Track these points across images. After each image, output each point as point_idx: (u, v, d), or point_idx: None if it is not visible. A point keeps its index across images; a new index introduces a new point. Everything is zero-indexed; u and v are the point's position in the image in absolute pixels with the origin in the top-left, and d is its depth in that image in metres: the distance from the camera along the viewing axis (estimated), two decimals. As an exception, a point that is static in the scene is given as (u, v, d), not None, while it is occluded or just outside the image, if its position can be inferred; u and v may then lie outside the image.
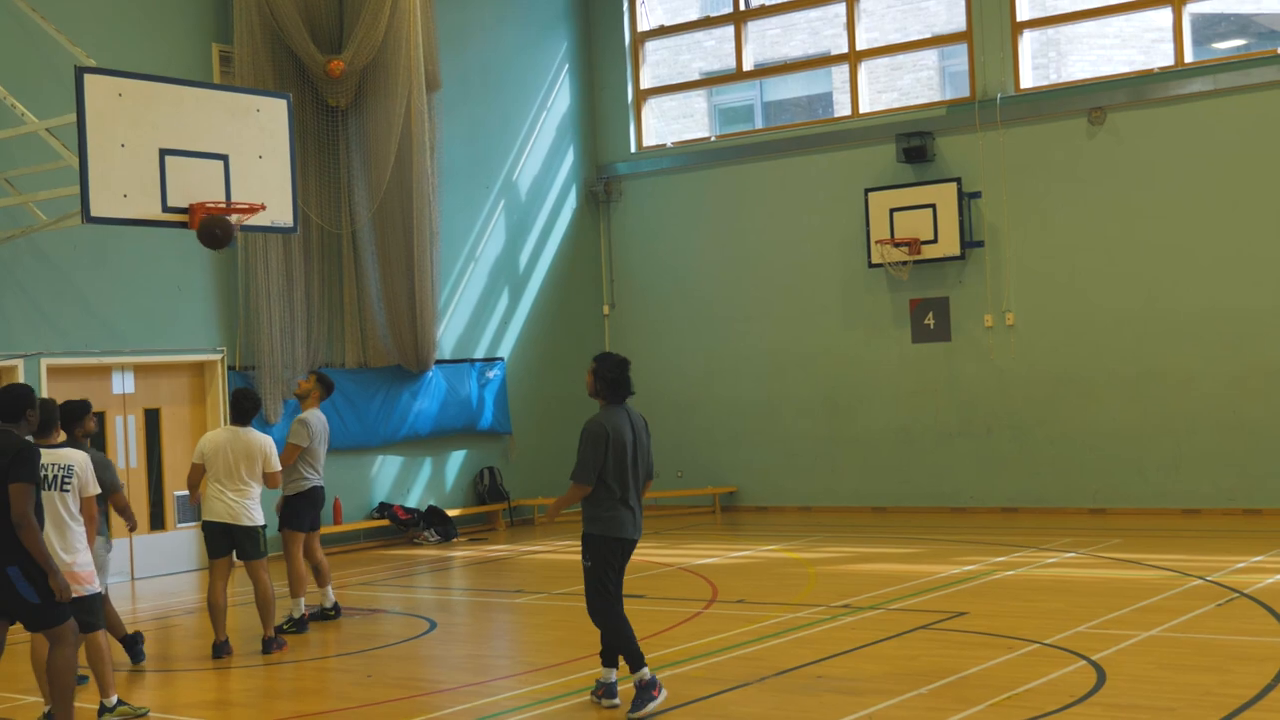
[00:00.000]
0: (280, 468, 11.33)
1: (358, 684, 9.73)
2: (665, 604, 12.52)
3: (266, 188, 13.50)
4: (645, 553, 16.50)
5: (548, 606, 13.07)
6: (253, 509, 11.08)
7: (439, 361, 19.19)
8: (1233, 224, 17.31)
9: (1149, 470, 17.70)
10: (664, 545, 17.01)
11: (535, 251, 21.39)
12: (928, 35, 20.98)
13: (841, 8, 20.60)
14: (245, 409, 11.17)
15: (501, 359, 20.42)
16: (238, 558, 11.16)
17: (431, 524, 18.60)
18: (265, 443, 11.13)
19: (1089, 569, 13.49)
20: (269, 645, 11.00)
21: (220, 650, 10.83)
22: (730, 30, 21.77)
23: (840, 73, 21.34)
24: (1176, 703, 7.95)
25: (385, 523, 18.55)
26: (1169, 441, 17.59)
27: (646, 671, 8.44)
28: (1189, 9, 17.94)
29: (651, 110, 22.36)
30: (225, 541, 11.07)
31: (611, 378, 8.88)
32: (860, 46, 20.29)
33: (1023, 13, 18.88)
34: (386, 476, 19.02)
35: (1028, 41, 19.07)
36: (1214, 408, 17.31)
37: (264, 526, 11.26)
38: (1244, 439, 17.10)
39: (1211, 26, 18.94)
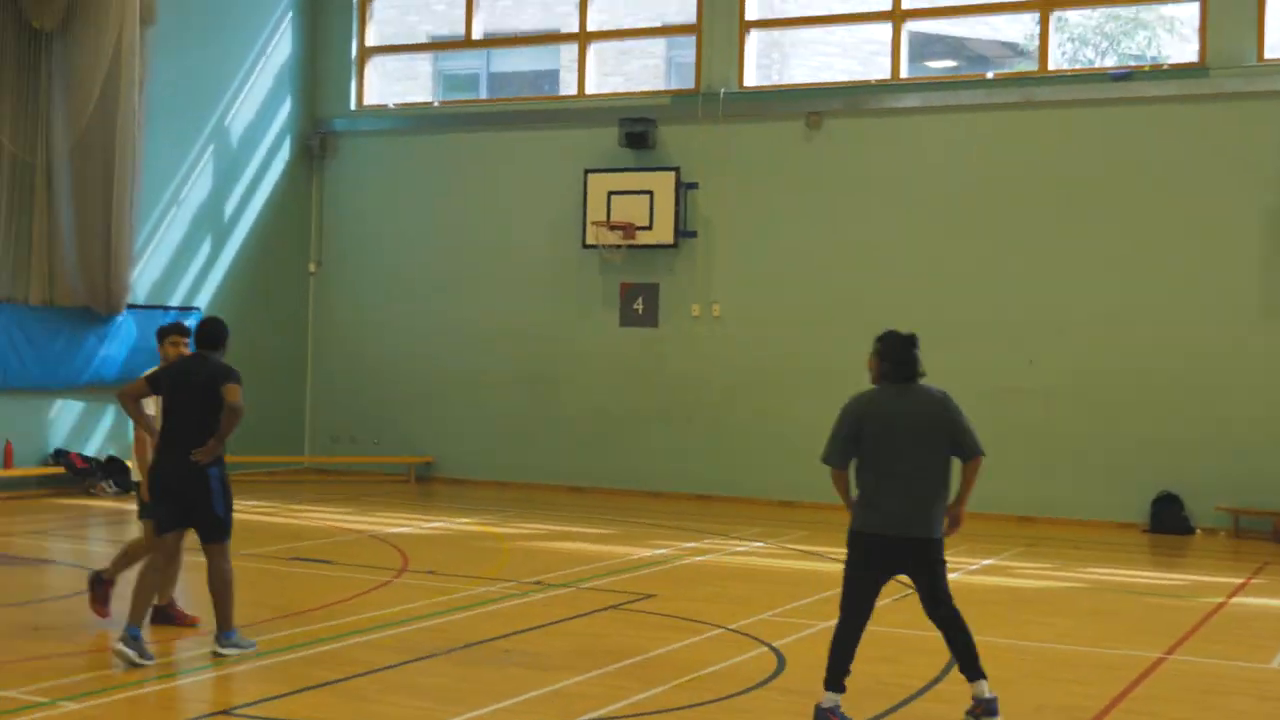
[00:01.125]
0: None
1: (20, 636, 9.16)
2: (354, 571, 12.26)
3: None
4: (335, 518, 16.16)
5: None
6: None
7: (131, 306, 18.27)
8: (931, 236, 18.06)
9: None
10: (356, 512, 16.69)
11: (243, 201, 20.65)
12: (658, 24, 21.19)
13: (576, -14, 20.62)
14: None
15: (198, 308, 19.61)
16: None
17: (110, 475, 17.74)
18: None
19: (775, 559, 13.86)
20: None
21: None
22: (463, -4, 21.47)
23: (569, 51, 21.35)
24: (851, 690, 8.20)
25: (61, 470, 17.60)
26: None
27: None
28: (908, 26, 18.63)
29: (375, 69, 21.87)
30: None
31: (900, 356, 7.98)
32: (591, 27, 20.31)
33: (751, 11, 19.24)
34: (65, 422, 18.05)
35: (754, 40, 19.46)
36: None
37: None
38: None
39: (928, 45, 19.76)
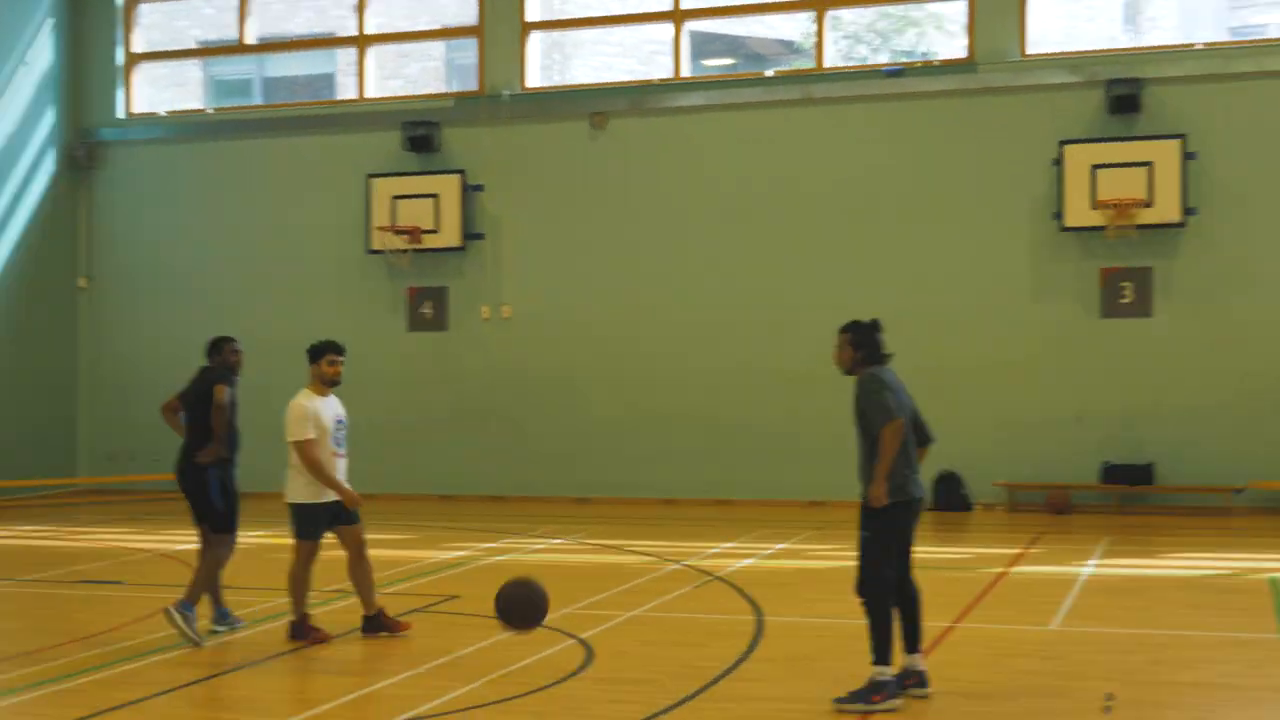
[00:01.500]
0: None
1: None
2: (146, 589, 11.92)
3: None
4: (119, 538, 15.67)
5: (17, 593, 12.15)
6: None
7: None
8: (721, 233, 18.40)
9: (632, 462, 18.53)
10: (141, 530, 16.21)
11: (4, 216, 19.84)
12: (438, 26, 21.10)
13: (351, -11, 20.39)
14: None
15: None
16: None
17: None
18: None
19: (575, 554, 13.95)
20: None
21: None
22: (233, 0, 21.01)
23: (346, 55, 21.12)
24: (659, 674, 8.34)
25: None
26: (652, 435, 18.49)
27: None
28: (688, 25, 18.95)
29: (142, 75, 21.25)
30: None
31: (875, 340, 8.12)
32: (369, 30, 20.11)
33: (532, 13, 19.32)
34: None
35: (536, 41, 19.55)
36: (695, 405, 18.34)
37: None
38: (721, 434, 18.21)
39: (708, 44, 20.13)
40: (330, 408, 10.03)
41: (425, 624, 10.23)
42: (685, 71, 18.92)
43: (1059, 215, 17.08)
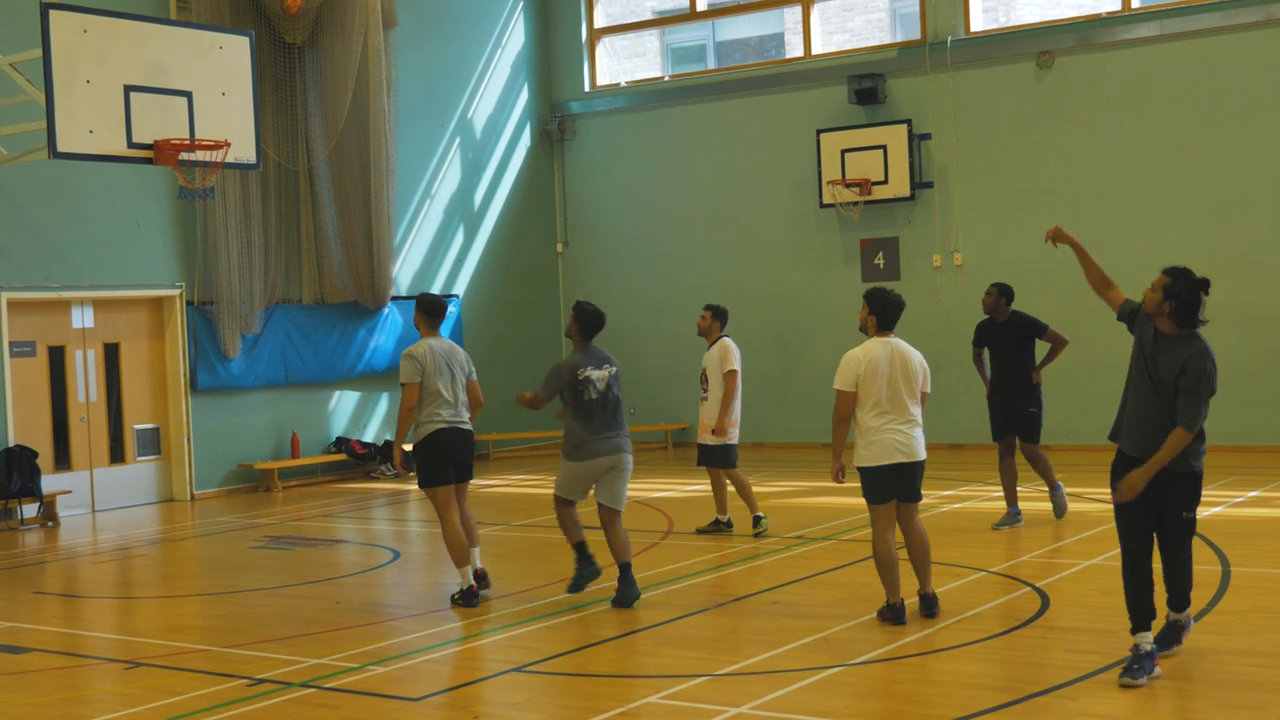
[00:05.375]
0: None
1: (326, 610, 9.99)
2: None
3: (229, 125, 13.62)
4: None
5: (506, 537, 13.36)
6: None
7: (395, 298, 19.36)
8: (1170, 171, 17.67)
9: (1086, 406, 18.15)
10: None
11: (490, 189, 21.53)
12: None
13: (795, -51, 20.77)
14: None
15: (456, 296, 20.59)
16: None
17: (388, 458, 18.82)
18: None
19: (1030, 502, 13.91)
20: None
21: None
22: (685, -30, 21.84)
23: (792, 14, 21.53)
24: (1116, 625, 8.31)
25: (342, 457, 18.75)
26: (1108, 379, 18.02)
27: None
28: (1136, -46, 18.23)
29: (605, 49, 22.48)
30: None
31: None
32: (814, -12, 20.45)
33: (973, -44, 19.11)
34: (344, 411, 19.21)
35: (977, -16, 19.33)
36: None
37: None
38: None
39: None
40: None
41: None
42: (1135, 2, 18.22)
43: None
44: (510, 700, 7.54)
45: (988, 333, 12.30)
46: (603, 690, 7.61)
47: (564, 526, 9.81)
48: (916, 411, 8.71)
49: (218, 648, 8.88)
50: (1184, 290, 7.17)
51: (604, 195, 22.07)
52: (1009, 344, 12.13)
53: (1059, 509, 12.33)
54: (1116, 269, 17.42)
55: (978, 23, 19.22)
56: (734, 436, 12.30)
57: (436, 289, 20.37)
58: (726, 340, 12.51)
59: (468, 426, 9.96)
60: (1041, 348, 12.32)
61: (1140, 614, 7.27)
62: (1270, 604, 8.79)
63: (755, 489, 12.81)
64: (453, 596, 9.90)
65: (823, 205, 19.73)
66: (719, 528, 12.56)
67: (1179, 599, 7.55)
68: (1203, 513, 12.35)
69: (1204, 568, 9.90)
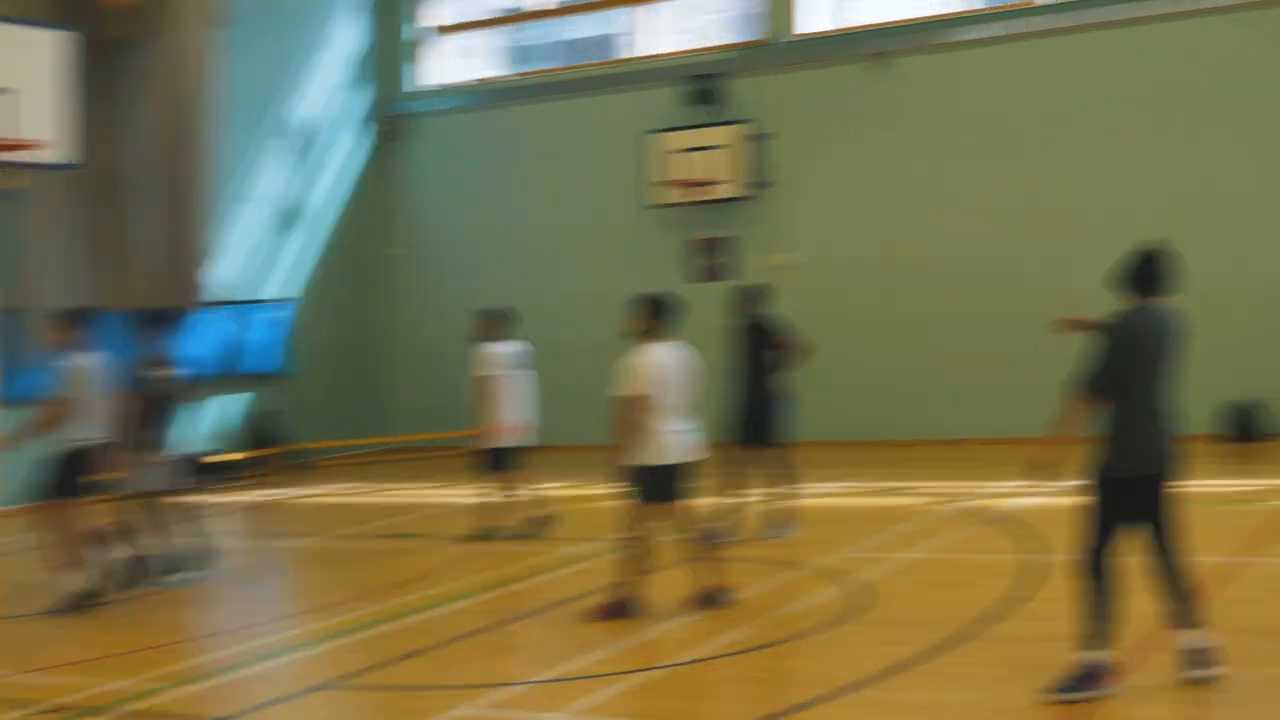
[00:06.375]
0: None
1: (122, 627, 9.46)
2: (435, 542, 12.45)
3: (46, 123, 12.99)
4: (418, 493, 16.41)
5: (324, 549, 12.91)
6: None
7: (217, 303, 18.68)
8: (1002, 169, 17.89)
9: (921, 402, 18.25)
10: (442, 484, 16.92)
11: (323, 190, 20.99)
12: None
13: (633, -52, 20.59)
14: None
15: (286, 300, 19.99)
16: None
17: (206, 468, 18.14)
18: None
19: (860, 497, 13.88)
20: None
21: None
22: (521, -32, 21.54)
23: (631, 14, 21.35)
24: (937, 615, 8.20)
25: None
26: (940, 375, 18.16)
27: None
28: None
29: (445, 48, 22.07)
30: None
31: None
32: (651, -13, 20.30)
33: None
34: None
35: (814, -15, 19.35)
36: (983, 343, 17.95)
37: None
38: (1010, 372, 17.67)
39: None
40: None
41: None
42: (970, 4, 18.38)
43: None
44: (324, 716, 7.15)
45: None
46: (416, 703, 7.24)
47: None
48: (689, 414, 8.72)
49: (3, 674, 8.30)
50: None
51: (443, 195, 21.67)
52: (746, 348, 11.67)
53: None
54: (964, 260, 17.53)
55: (814, 24, 19.23)
56: (507, 440, 12.06)
57: (264, 293, 19.76)
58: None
59: None
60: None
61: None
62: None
63: (581, 491, 12.53)
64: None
65: (658, 205, 19.57)
66: (533, 527, 12.22)
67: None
68: (1020, 503, 12.39)
69: (1023, 556, 9.88)
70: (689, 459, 8.74)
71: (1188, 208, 16.87)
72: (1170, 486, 6.57)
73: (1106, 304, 6.66)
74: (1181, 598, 6.57)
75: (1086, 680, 6.45)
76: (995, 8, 18.39)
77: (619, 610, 8.67)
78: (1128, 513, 6.58)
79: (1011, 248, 17.83)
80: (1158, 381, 6.52)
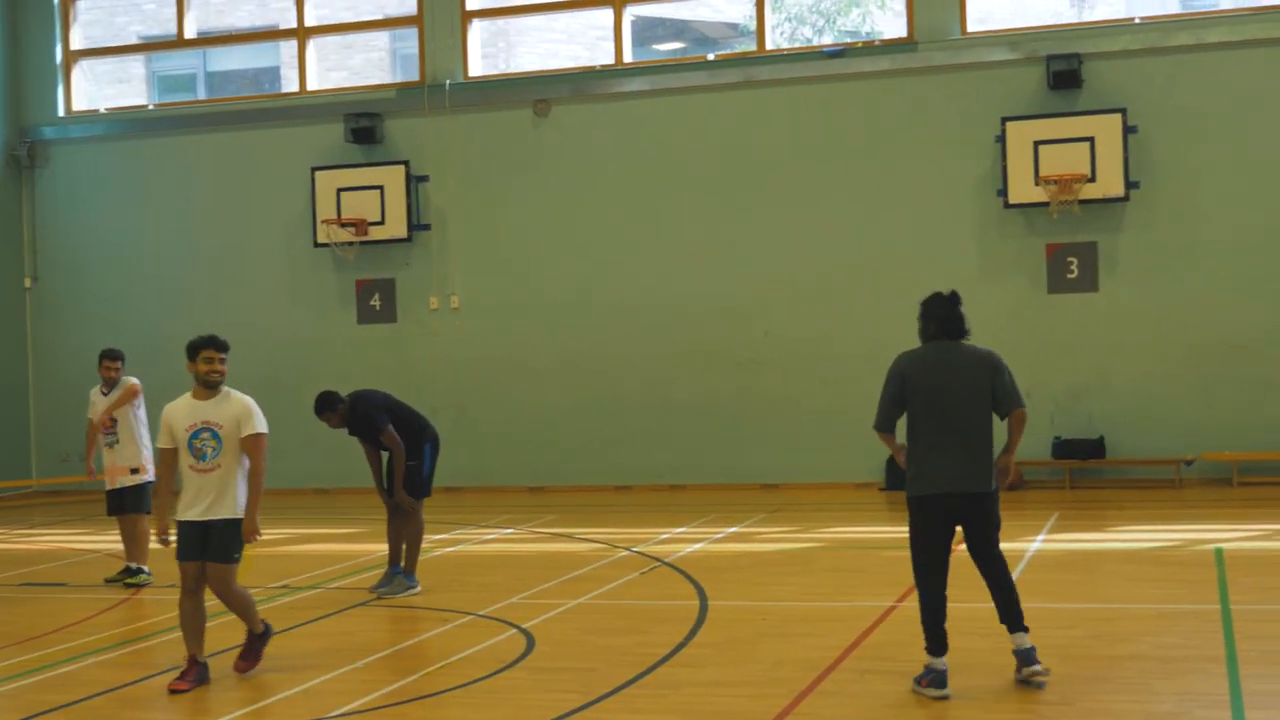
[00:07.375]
0: None
1: None
2: (90, 591, 11.83)
3: None
4: (67, 540, 15.55)
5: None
6: None
7: None
8: (666, 218, 18.38)
9: (586, 449, 18.51)
10: (90, 531, 16.09)
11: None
12: (379, 17, 20.98)
13: (291, -19, 20.22)
14: None
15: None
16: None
17: None
18: None
19: (525, 543, 13.93)
20: None
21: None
22: (173, -7, 20.81)
23: (289, 48, 20.97)
24: (598, 663, 8.33)
25: None
26: (604, 422, 18.47)
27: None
28: (630, 10, 18.90)
29: (83, 73, 21.05)
30: None
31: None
32: (310, 23, 19.96)
33: (472, 2, 19.21)
34: None
35: (477, 30, 19.44)
36: (644, 390, 18.33)
37: None
38: (672, 419, 18.20)
39: (651, 29, 20.07)
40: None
41: (369, 617, 10.20)
42: (629, 57, 18.86)
43: (1003, 192, 17.12)
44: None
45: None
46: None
47: None
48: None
49: None
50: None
51: (83, 227, 20.60)
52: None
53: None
54: (607, 311, 17.88)
55: (477, 68, 19.32)
56: (121, 481, 12.17)
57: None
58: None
59: None
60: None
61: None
62: (744, 636, 9.02)
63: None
64: None
65: (318, 245, 19.20)
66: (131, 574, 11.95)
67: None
68: (683, 550, 12.71)
69: (683, 603, 10.13)
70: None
71: (839, 264, 17.75)
72: (972, 503, 7.54)
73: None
74: (1003, 603, 7.50)
75: (924, 682, 7.31)
76: (648, 62, 18.95)
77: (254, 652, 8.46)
78: (933, 528, 7.50)
79: (673, 294, 18.32)
80: (939, 413, 7.40)
